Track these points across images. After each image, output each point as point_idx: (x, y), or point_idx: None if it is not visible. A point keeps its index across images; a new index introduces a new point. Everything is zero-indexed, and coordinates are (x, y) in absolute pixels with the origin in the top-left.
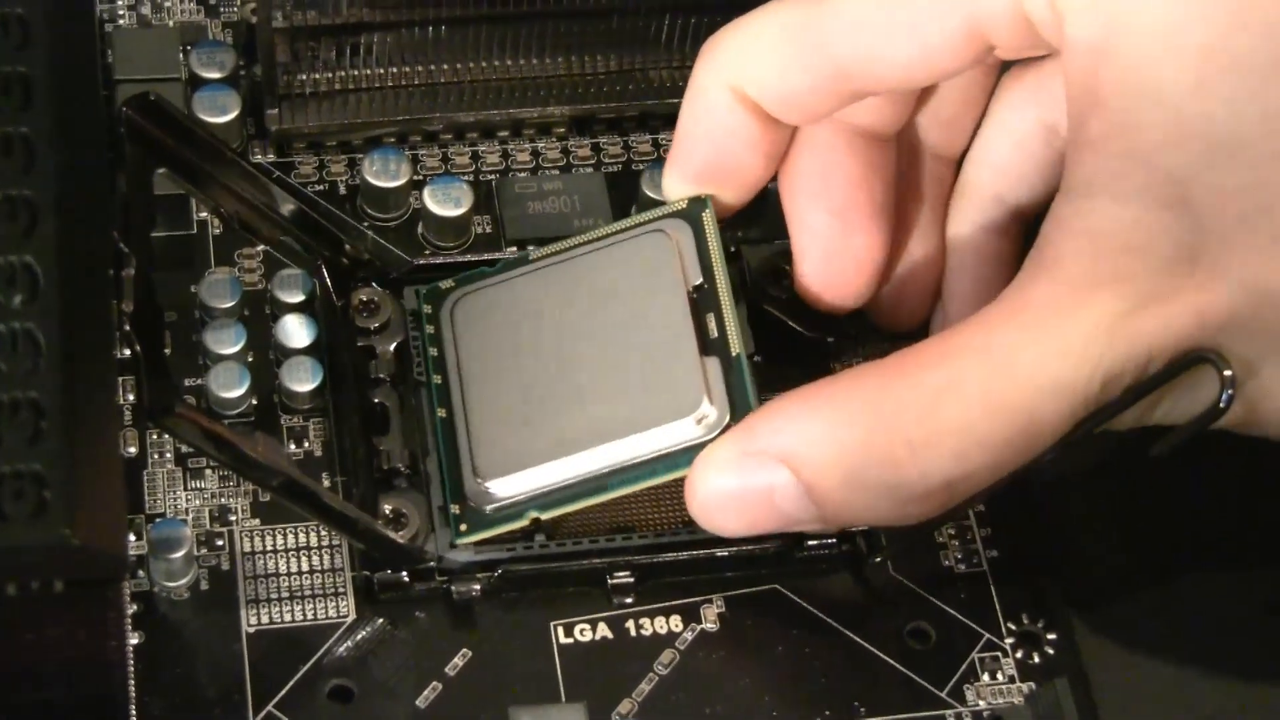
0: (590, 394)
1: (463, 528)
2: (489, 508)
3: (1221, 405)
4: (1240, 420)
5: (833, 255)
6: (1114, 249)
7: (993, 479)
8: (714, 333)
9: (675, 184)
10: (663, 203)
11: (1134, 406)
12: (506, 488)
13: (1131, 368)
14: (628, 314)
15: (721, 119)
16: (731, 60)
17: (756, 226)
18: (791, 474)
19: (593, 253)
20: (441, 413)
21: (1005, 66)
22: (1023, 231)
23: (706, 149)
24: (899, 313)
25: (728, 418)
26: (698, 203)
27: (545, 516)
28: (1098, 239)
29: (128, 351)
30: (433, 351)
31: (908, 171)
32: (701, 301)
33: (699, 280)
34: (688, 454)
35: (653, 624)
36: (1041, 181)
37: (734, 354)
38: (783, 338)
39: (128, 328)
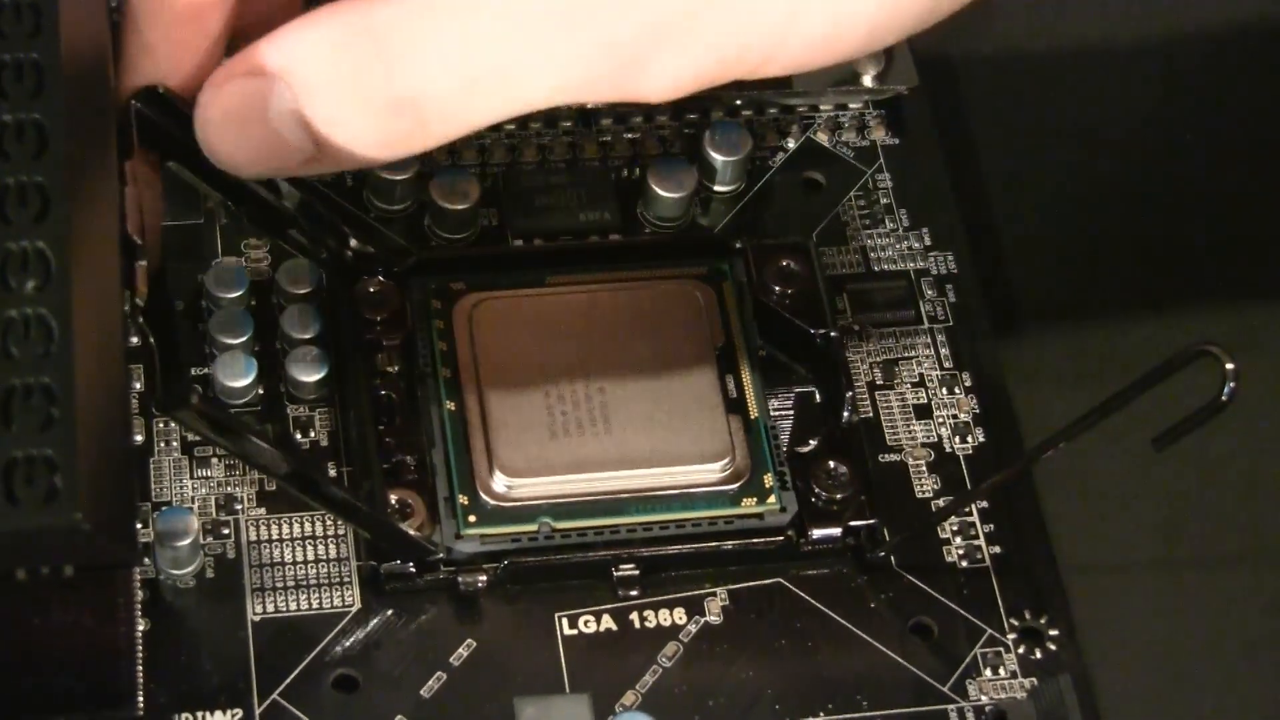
0: (618, 421)
1: (471, 519)
2: (503, 505)
3: (1224, 399)
4: None
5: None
6: None
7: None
8: (732, 393)
9: None
10: (670, 196)
11: None
12: (526, 490)
13: None
14: (657, 356)
15: None
16: None
17: (760, 222)
18: (285, 84)
19: (619, 291)
20: (450, 405)
21: None
22: None
23: None
24: None
25: (749, 472)
26: (719, 272)
27: (558, 525)
28: None
29: (136, 340)
30: (441, 346)
31: None
32: (720, 362)
33: (721, 342)
34: (707, 498)
35: (657, 616)
36: None
37: (753, 417)
38: (786, 333)
39: (140, 318)
